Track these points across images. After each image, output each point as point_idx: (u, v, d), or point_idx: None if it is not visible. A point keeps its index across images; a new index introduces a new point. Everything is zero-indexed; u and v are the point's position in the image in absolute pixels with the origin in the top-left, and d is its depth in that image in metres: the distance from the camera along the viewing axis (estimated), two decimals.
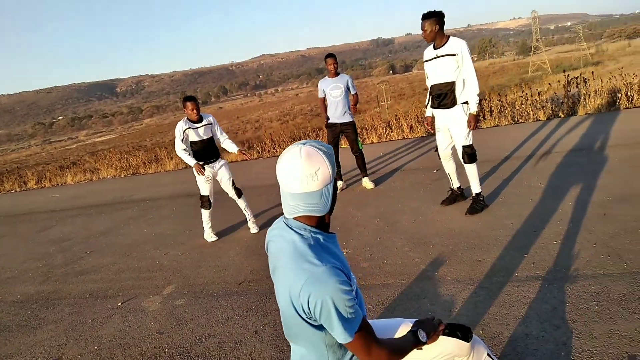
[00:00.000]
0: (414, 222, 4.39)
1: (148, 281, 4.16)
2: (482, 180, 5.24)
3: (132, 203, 8.13)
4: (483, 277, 3.07)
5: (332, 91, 5.73)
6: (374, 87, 76.32)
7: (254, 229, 5.05)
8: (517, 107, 9.24)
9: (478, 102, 4.02)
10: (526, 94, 9.55)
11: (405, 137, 9.92)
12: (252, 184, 7.73)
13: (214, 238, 4.99)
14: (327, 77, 5.83)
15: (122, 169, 13.00)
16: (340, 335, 1.28)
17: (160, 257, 4.78)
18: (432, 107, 4.34)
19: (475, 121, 4.06)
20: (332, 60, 5.63)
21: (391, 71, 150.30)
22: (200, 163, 4.61)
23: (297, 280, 1.29)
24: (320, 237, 1.38)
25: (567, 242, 3.36)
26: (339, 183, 6.12)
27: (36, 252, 5.85)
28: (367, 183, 6.01)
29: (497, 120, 9.20)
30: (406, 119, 10.36)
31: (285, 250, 1.38)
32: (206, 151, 4.69)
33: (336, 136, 5.92)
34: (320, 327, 1.35)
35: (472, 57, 4.02)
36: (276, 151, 11.09)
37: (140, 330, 3.23)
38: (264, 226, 5.16)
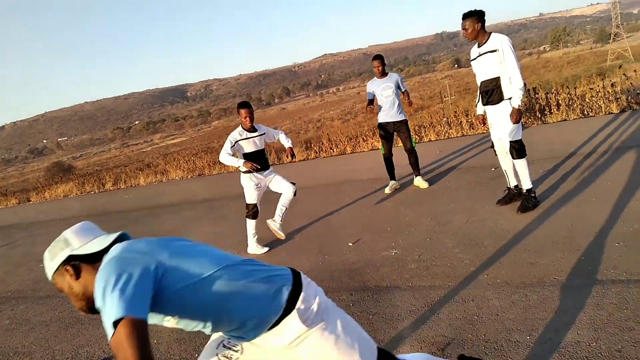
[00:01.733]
0: (466, 223, 4.29)
1: None
2: (543, 177, 5.04)
3: (196, 203, 8.56)
4: (535, 281, 2.95)
5: (383, 91, 5.72)
6: (438, 82, 74.57)
7: (278, 230, 4.75)
8: (587, 100, 8.67)
9: (521, 96, 3.97)
10: (597, 85, 8.93)
11: (465, 134, 9.64)
12: (307, 184, 7.85)
13: (264, 250, 4.76)
14: (375, 78, 5.83)
15: (189, 170, 13.69)
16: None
17: None
18: (483, 104, 4.37)
19: (518, 115, 4.00)
20: (378, 63, 5.67)
21: (456, 65, 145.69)
22: (251, 171, 4.53)
23: None
24: None
25: (632, 244, 3.15)
26: (392, 183, 6.08)
27: None
28: (420, 182, 5.93)
29: (564, 114, 8.69)
30: (466, 116, 10.06)
31: None
32: (259, 162, 4.57)
33: (390, 135, 5.90)
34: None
35: (514, 51, 3.98)
36: (332, 151, 11.19)
37: None
38: (315, 226, 5.25)
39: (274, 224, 4.77)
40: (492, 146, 4.53)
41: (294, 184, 4.74)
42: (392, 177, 6.11)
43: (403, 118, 5.79)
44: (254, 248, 4.81)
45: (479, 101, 4.45)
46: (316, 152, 11.47)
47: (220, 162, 13.47)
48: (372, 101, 5.86)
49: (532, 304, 2.70)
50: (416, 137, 10.11)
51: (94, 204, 11.98)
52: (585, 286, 2.76)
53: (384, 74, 5.75)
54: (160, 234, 6.59)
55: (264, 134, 4.65)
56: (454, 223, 4.36)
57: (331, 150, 11.19)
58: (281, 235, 4.78)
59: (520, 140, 4.12)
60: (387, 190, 6.05)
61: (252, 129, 4.56)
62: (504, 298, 2.83)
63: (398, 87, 5.75)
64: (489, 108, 4.29)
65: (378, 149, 9.42)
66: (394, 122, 5.80)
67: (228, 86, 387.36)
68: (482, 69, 4.18)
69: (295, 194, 4.74)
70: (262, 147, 4.66)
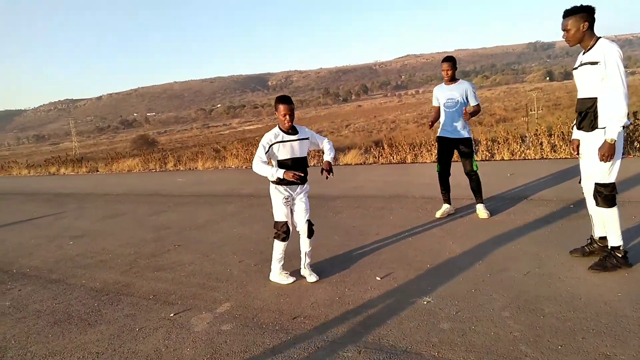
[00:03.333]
0: (526, 275, 3.42)
1: (210, 292, 3.87)
2: (637, 228, 4.00)
3: (237, 197, 8.18)
4: None
5: (446, 101, 4.92)
6: (525, 94, 70.19)
7: (311, 276, 3.85)
8: None
9: (620, 128, 3.04)
10: None
11: (545, 157, 8.46)
12: (353, 193, 7.18)
13: (289, 280, 3.84)
14: (442, 83, 5.04)
15: (245, 160, 13.46)
16: None
17: (233, 265, 4.50)
18: (576, 125, 3.46)
19: (609, 152, 3.06)
20: (447, 66, 4.84)
21: (547, 78, 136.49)
22: (284, 186, 3.69)
23: None
24: None
25: None
26: (445, 207, 5.25)
27: (136, 237, 6.07)
28: (481, 211, 5.05)
29: None
30: (549, 136, 8.83)
31: None
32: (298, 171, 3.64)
33: (447, 152, 5.09)
34: None
35: (622, 68, 3.02)
36: (392, 158, 10.36)
37: (173, 355, 2.90)
38: (345, 245, 4.58)
39: (310, 276, 3.86)
40: (580, 181, 3.60)
41: (311, 225, 3.81)
42: (447, 201, 5.28)
43: (466, 136, 4.95)
44: (277, 276, 3.90)
45: (575, 123, 3.52)
46: (375, 158, 10.71)
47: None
48: (439, 109, 5.10)
49: None
50: (486, 153, 9.07)
51: (148, 183, 12.09)
52: None
53: (452, 79, 4.94)
54: (190, 227, 6.26)
55: (307, 138, 3.75)
56: (510, 273, 3.51)
57: (391, 157, 10.38)
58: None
59: (612, 184, 3.17)
60: (437, 214, 5.24)
61: (292, 131, 3.68)
62: None
63: (466, 99, 4.91)
64: (581, 134, 3.41)
65: None
66: (453, 139, 4.98)
67: (308, 78, 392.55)
68: (581, 82, 3.31)
69: (310, 235, 3.79)
70: (302, 154, 3.73)
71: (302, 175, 3.60)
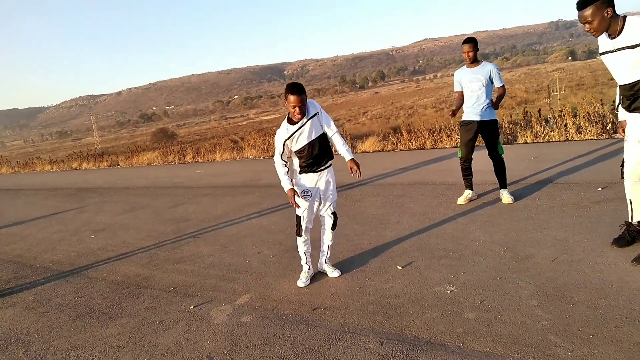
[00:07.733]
0: (553, 262, 3.30)
1: (229, 284, 3.85)
2: None
3: (255, 188, 8.16)
4: None
5: (470, 83, 4.77)
6: (547, 75, 68.49)
7: (333, 272, 3.67)
8: None
9: None
10: None
11: (570, 138, 8.20)
12: (371, 181, 7.08)
13: (306, 282, 3.61)
14: (464, 66, 4.87)
15: (263, 150, 13.44)
16: None
17: (252, 256, 4.47)
18: (625, 108, 3.20)
19: None
20: (468, 48, 4.68)
21: (570, 57, 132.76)
22: (304, 188, 3.47)
23: None
24: None
25: None
26: (467, 193, 5.12)
27: (156, 230, 6.10)
28: (505, 196, 4.91)
29: None
30: (574, 117, 8.55)
31: None
32: (318, 155, 3.40)
33: (472, 136, 4.94)
34: None
35: None
36: (411, 144, 10.20)
37: (193, 348, 2.88)
38: (366, 235, 4.51)
39: (331, 271, 3.69)
40: (622, 165, 3.34)
41: (334, 214, 3.60)
42: (469, 186, 5.15)
43: (491, 118, 4.80)
44: (302, 278, 3.63)
45: (619, 104, 3.27)
46: (393, 144, 10.56)
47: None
48: (462, 93, 4.94)
49: None
50: (508, 136, 8.84)
51: (166, 175, 12.18)
52: None
53: (474, 61, 4.78)
54: (209, 219, 6.27)
55: (317, 113, 3.35)
56: (537, 259, 3.38)
57: (410, 143, 10.21)
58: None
59: None
60: (459, 201, 5.11)
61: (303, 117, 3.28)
62: None
63: (490, 81, 4.75)
64: (632, 116, 3.13)
65: None
66: (479, 122, 4.83)
67: (324, 67, 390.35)
68: (621, 68, 3.03)
69: (334, 228, 3.60)
70: (317, 134, 3.35)
71: (295, 202, 3.42)
